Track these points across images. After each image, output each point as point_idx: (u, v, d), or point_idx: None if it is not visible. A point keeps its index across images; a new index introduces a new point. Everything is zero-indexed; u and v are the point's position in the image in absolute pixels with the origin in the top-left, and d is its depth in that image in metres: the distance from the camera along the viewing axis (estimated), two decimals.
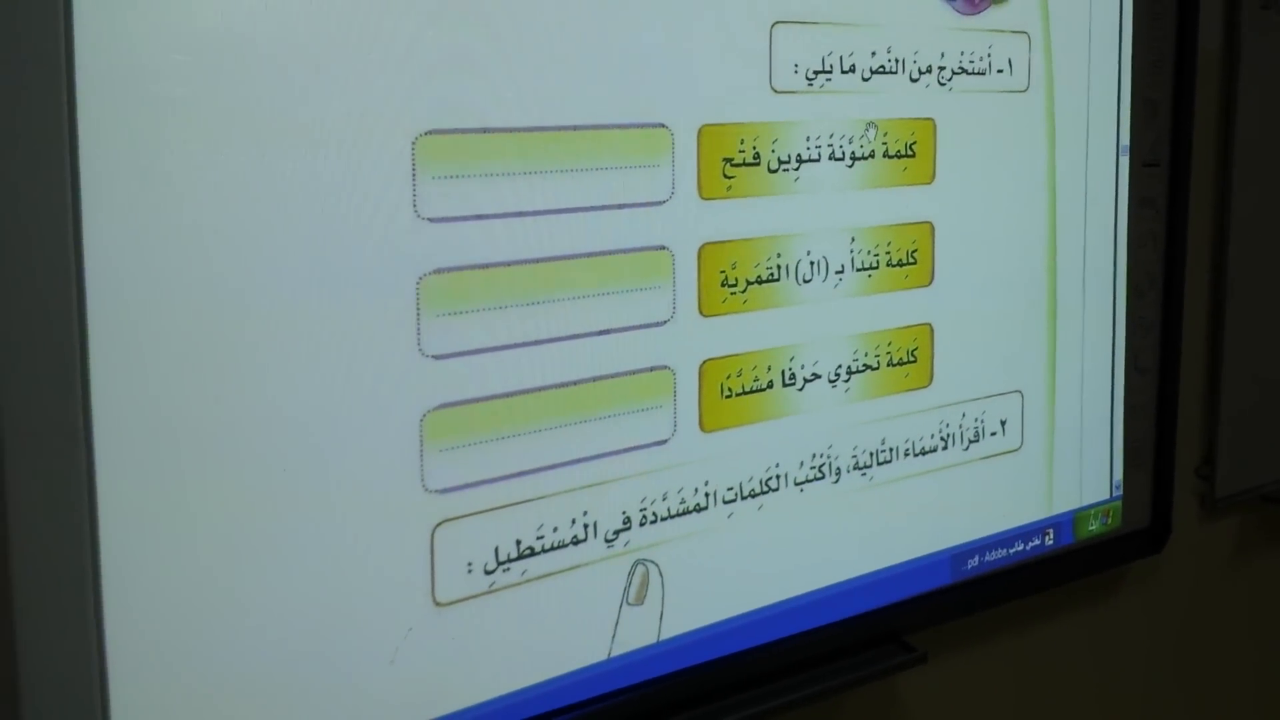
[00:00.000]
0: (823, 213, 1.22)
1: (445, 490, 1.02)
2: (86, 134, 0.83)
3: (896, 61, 1.26)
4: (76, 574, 0.86)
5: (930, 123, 1.29)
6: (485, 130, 1.00)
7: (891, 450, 1.32)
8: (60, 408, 0.84)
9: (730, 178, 1.15)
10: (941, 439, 1.35)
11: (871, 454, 1.30)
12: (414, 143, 0.96)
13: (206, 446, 0.90)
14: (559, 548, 1.09)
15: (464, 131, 0.99)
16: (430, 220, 0.98)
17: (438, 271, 0.99)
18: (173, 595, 0.90)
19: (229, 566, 0.92)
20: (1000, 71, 1.35)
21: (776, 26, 1.17)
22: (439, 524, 1.02)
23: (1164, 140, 1.53)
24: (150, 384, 0.87)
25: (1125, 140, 1.48)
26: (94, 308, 0.84)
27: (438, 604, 1.03)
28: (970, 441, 1.38)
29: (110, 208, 0.84)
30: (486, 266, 1.01)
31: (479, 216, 1.00)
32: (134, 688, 0.89)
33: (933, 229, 1.31)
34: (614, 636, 1.15)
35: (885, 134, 1.25)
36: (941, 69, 1.30)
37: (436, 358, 1.00)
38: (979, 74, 1.33)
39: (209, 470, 0.90)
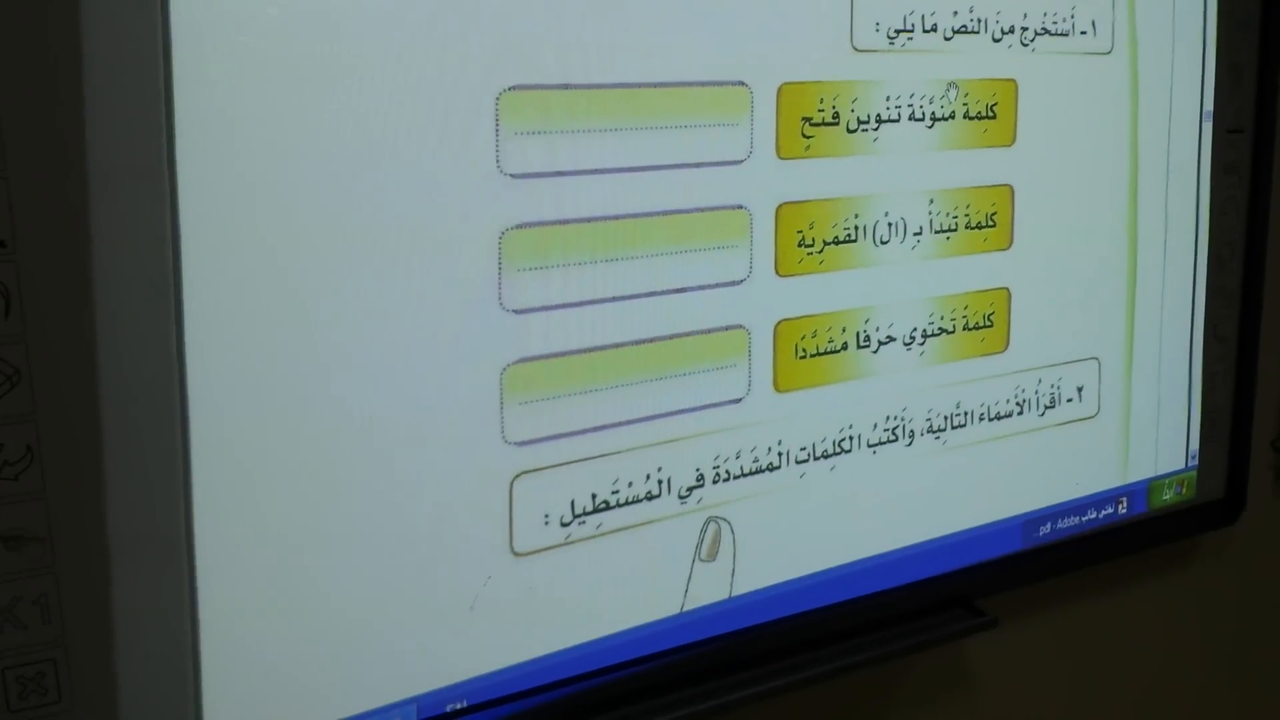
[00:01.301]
0: (901, 174, 1.21)
1: (524, 443, 1.03)
2: (181, 83, 0.84)
3: (979, 21, 1.25)
4: (171, 526, 0.89)
5: (1012, 84, 1.28)
6: (567, 86, 1.01)
7: (966, 414, 1.31)
8: (156, 361, 0.86)
9: (809, 137, 1.15)
10: (1017, 404, 1.35)
11: (946, 418, 1.30)
12: (498, 99, 0.97)
13: (294, 398, 0.92)
14: (633, 503, 1.11)
15: (546, 87, 1.00)
16: (513, 176, 0.99)
17: (519, 227, 1.00)
18: (261, 544, 0.93)
19: (316, 515, 0.95)
20: (1083, 33, 1.33)
21: None
22: (517, 476, 1.04)
23: (1249, 106, 1.49)
24: (239, 336, 0.89)
25: (1209, 106, 1.45)
26: (188, 254, 0.86)
27: (515, 554, 1.05)
28: (1046, 407, 1.37)
29: (201, 156, 0.86)
30: (566, 223, 1.03)
31: (560, 173, 1.01)
32: (223, 633, 0.92)
33: (1012, 192, 1.30)
34: (686, 592, 1.16)
35: (966, 94, 1.24)
36: (1024, 29, 1.28)
37: (517, 312, 1.01)
38: (1062, 35, 1.31)
39: (296, 422, 0.92)
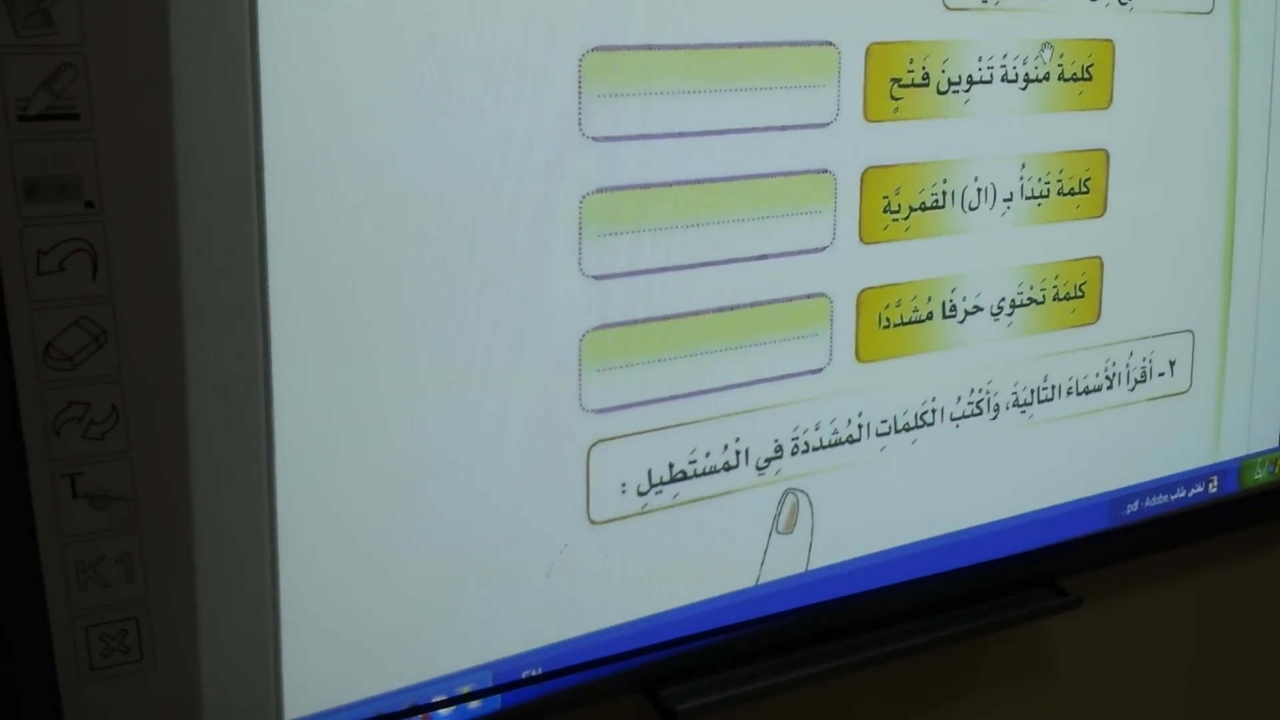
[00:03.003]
0: (992, 137, 1.18)
1: (602, 410, 1.02)
2: (267, 47, 0.84)
3: None
4: (253, 489, 0.89)
5: (1109, 44, 1.23)
6: (650, 47, 0.99)
7: (1054, 388, 1.27)
8: (240, 325, 0.87)
9: (897, 99, 1.11)
10: (1107, 378, 1.31)
11: (1032, 391, 1.26)
12: (580, 60, 0.95)
13: (375, 362, 0.92)
14: (711, 473, 1.09)
15: (630, 48, 0.98)
16: (594, 139, 0.97)
17: (600, 191, 0.98)
18: (342, 508, 0.93)
19: (396, 480, 0.94)
20: None
21: None
22: (595, 443, 1.03)
23: None
24: (323, 303, 0.89)
25: None
26: (272, 216, 0.86)
27: (592, 522, 1.04)
28: (1137, 382, 1.33)
29: (287, 119, 0.85)
30: (648, 187, 1.01)
31: (642, 136, 1.00)
32: (304, 595, 0.92)
33: (1107, 157, 1.25)
34: (763, 564, 1.14)
35: (1061, 55, 1.20)
36: None
37: (597, 278, 1.00)
38: None
39: (378, 386, 0.92)
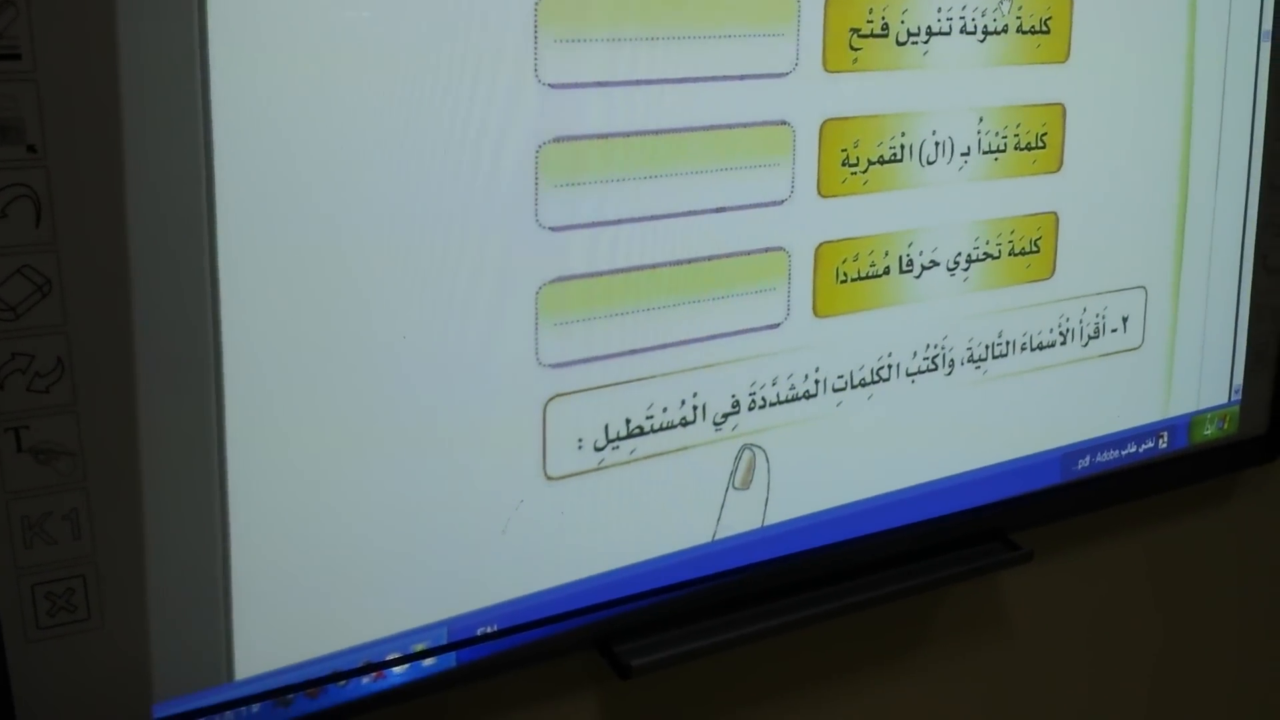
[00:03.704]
0: (951, 90, 1.17)
1: (558, 365, 1.01)
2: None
3: None
4: (203, 443, 0.88)
5: None
6: None
7: (1008, 344, 1.28)
8: (189, 273, 0.85)
9: (857, 49, 1.11)
10: (1060, 334, 1.32)
11: (987, 346, 1.27)
12: (536, 6, 0.94)
13: (326, 314, 0.90)
14: (668, 428, 1.09)
15: None
16: (551, 86, 0.96)
17: (557, 140, 0.97)
18: (293, 463, 0.91)
19: (348, 434, 0.93)
20: None
21: None
22: (551, 398, 1.02)
23: None
24: (271, 249, 0.87)
25: (1267, 25, 1.39)
26: (220, 161, 0.84)
27: (549, 478, 1.03)
28: (1090, 338, 1.34)
29: (234, 59, 0.83)
30: (605, 136, 0.99)
31: (599, 84, 0.98)
32: (254, 552, 0.91)
33: (1064, 111, 1.25)
34: (719, 519, 1.14)
35: (1020, 7, 1.19)
36: None
37: (553, 229, 0.99)
38: None
39: (329, 337, 0.91)
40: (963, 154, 1.20)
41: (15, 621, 0.85)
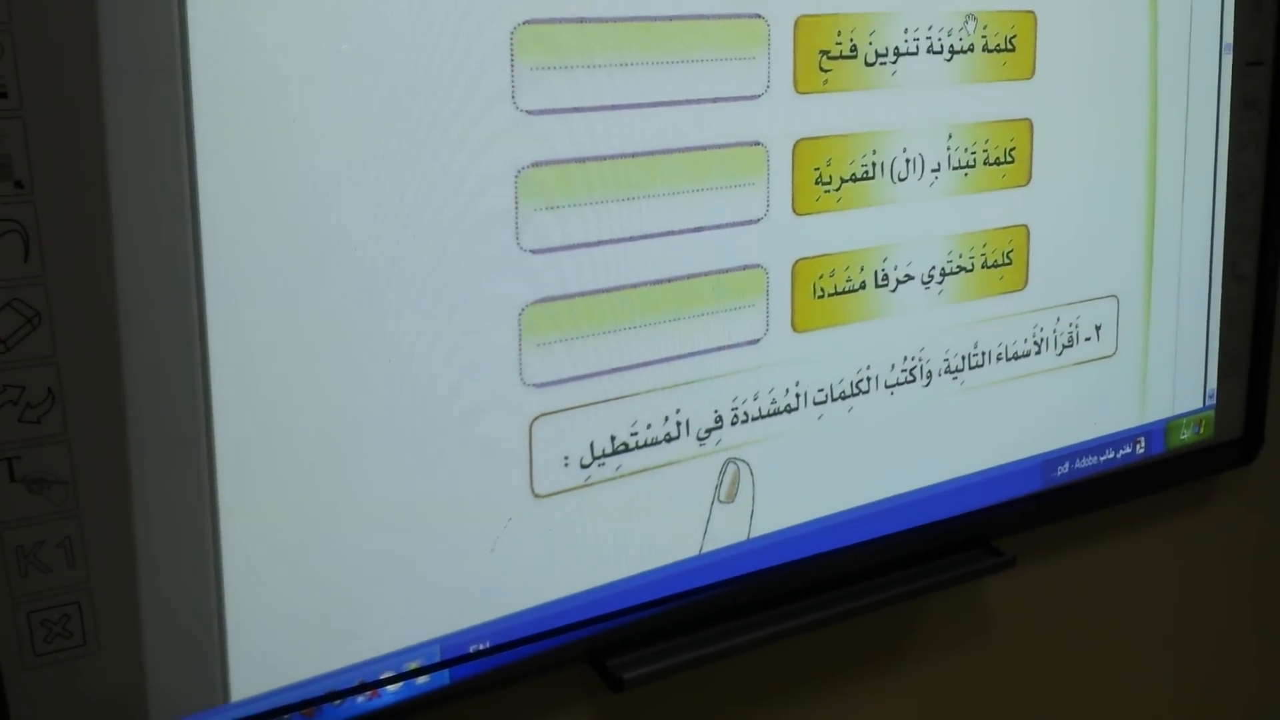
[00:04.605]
0: (920, 108, 1.20)
1: (543, 385, 1.03)
2: (195, 12, 0.83)
3: None
4: (194, 469, 0.89)
5: (1031, 15, 1.26)
6: (582, 20, 0.99)
7: (984, 354, 1.30)
8: (177, 302, 0.86)
9: (827, 71, 1.13)
10: (1035, 343, 1.34)
11: (963, 357, 1.29)
12: (512, 33, 0.96)
13: (313, 338, 0.92)
14: (652, 444, 1.10)
15: (561, 21, 0.98)
16: (529, 112, 0.98)
17: (535, 165, 0.99)
18: (284, 486, 0.93)
19: (338, 457, 0.95)
20: None
21: None
22: (537, 417, 1.03)
23: (1268, 38, 1.47)
24: (258, 275, 0.89)
25: (1228, 38, 1.42)
26: (205, 190, 0.86)
27: (536, 496, 1.05)
28: (1064, 346, 1.36)
29: (220, 85, 0.85)
30: (583, 160, 1.01)
31: (576, 109, 1.00)
32: (247, 575, 0.92)
33: (1031, 126, 1.28)
34: (705, 533, 1.16)
35: (985, 26, 1.22)
36: None
37: (534, 252, 1.00)
38: None
39: (316, 363, 0.92)
40: (933, 170, 1.22)
41: (12, 649, 0.86)
